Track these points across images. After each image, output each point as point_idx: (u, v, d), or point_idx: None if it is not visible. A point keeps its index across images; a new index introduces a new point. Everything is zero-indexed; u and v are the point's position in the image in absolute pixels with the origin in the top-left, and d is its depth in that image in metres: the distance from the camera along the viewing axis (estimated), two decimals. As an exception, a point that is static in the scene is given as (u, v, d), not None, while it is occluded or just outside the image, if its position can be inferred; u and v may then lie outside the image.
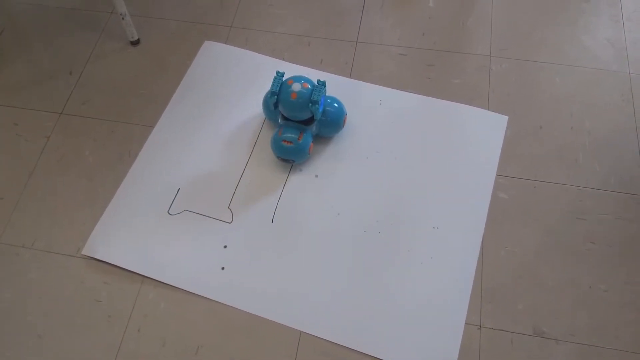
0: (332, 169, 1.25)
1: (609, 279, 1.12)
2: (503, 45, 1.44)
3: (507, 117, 1.32)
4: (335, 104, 1.25)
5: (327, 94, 1.25)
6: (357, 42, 1.46)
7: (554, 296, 1.10)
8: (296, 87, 1.16)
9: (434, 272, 1.12)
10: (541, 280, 1.12)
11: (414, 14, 1.51)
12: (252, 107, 1.34)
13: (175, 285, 1.11)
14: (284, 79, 1.19)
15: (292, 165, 1.25)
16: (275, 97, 1.18)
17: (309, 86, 1.17)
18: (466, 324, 1.07)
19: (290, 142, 1.19)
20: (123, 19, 1.40)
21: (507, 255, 1.15)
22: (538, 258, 1.14)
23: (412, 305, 1.09)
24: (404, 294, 1.10)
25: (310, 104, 1.16)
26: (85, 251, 1.16)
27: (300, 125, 1.21)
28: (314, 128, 1.23)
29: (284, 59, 1.43)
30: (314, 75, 1.38)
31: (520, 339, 1.06)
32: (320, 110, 1.19)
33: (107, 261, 1.14)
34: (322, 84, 1.18)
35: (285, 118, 1.21)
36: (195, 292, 1.11)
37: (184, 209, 1.21)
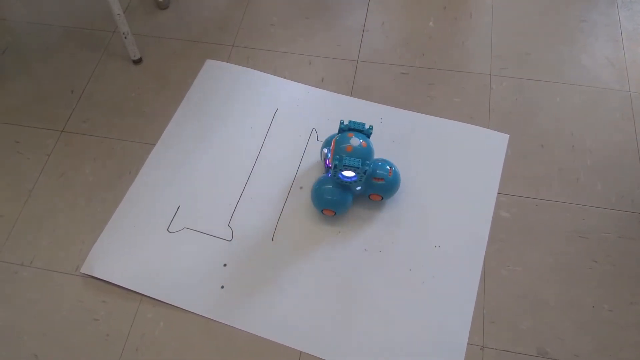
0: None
1: (613, 299, 1.11)
2: (503, 64, 1.45)
3: (508, 135, 1.32)
4: (392, 169, 1.18)
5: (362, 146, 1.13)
6: (358, 60, 1.47)
7: (557, 316, 1.09)
8: (354, 142, 1.11)
9: (436, 291, 1.11)
10: (544, 300, 1.11)
11: (415, 33, 1.52)
12: (253, 124, 1.35)
13: (174, 304, 1.10)
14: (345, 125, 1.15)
15: (292, 185, 1.25)
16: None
17: (367, 145, 1.12)
18: (469, 344, 1.06)
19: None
20: (125, 37, 1.41)
21: (509, 275, 1.14)
22: (540, 277, 1.13)
23: (413, 325, 1.08)
24: (405, 313, 1.09)
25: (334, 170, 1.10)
26: (84, 269, 1.15)
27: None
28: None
29: (285, 77, 1.43)
30: (314, 93, 1.39)
31: (523, 359, 1.05)
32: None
33: (106, 279, 1.13)
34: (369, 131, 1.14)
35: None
36: (195, 311, 1.10)
37: (184, 226, 1.20)
